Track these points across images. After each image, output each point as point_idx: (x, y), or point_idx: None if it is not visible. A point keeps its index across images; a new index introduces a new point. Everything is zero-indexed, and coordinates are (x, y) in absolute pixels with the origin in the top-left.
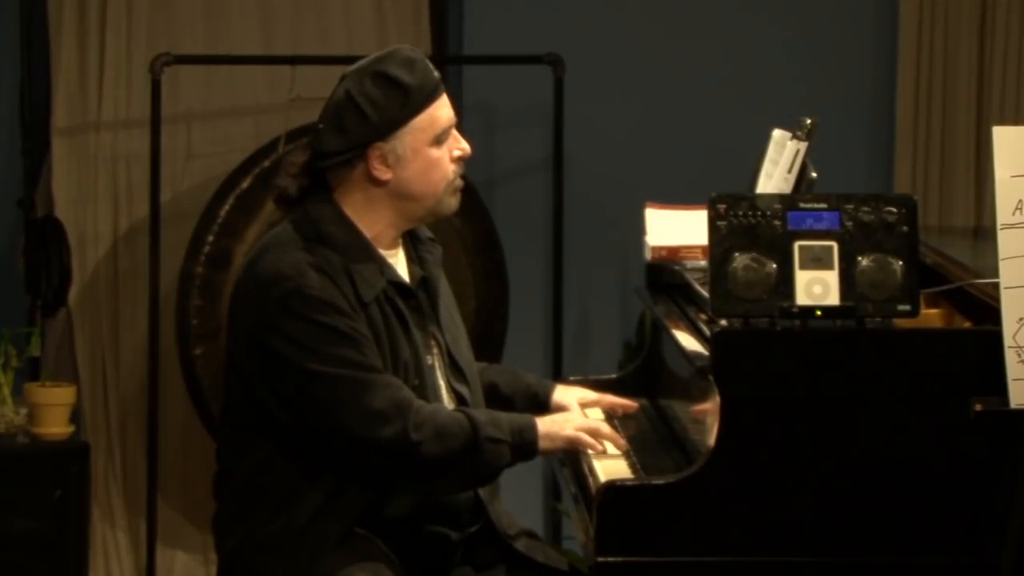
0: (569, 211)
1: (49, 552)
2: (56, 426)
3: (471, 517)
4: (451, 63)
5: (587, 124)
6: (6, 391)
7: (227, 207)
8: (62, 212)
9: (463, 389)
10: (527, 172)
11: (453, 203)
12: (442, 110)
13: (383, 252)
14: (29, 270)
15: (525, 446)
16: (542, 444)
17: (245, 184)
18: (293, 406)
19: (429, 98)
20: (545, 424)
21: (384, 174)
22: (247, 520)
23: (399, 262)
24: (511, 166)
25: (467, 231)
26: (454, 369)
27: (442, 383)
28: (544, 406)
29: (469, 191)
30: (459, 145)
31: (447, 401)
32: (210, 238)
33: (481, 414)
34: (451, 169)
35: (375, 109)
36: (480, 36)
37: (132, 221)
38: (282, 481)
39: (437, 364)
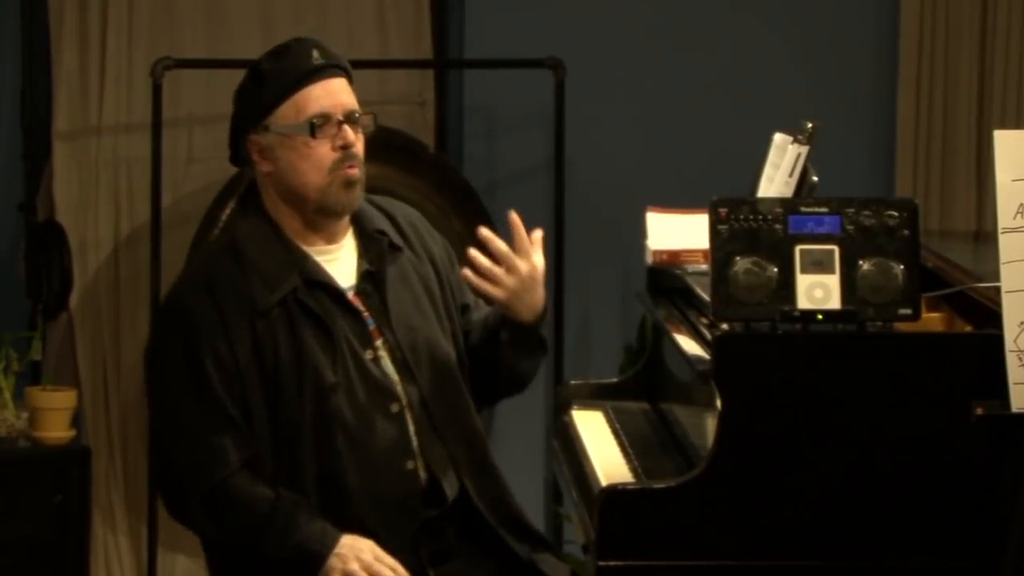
0: (570, 215)
1: (50, 556)
2: (57, 430)
3: (420, 503)
4: (452, 67)
5: (588, 128)
6: (7, 395)
7: (228, 211)
8: (63, 216)
9: (411, 389)
10: (528, 176)
11: (343, 197)
12: (315, 98)
13: (317, 248)
14: (30, 274)
15: (311, 554)
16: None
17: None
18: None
19: (296, 85)
20: (344, 544)
21: (265, 166)
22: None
23: (341, 258)
24: (512, 170)
25: (468, 234)
26: (404, 367)
27: (395, 378)
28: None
29: (470, 194)
30: (342, 135)
31: (400, 394)
32: None
33: (298, 512)
34: (330, 159)
35: (240, 99)
36: (481, 40)
37: (133, 225)
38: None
39: (387, 358)
